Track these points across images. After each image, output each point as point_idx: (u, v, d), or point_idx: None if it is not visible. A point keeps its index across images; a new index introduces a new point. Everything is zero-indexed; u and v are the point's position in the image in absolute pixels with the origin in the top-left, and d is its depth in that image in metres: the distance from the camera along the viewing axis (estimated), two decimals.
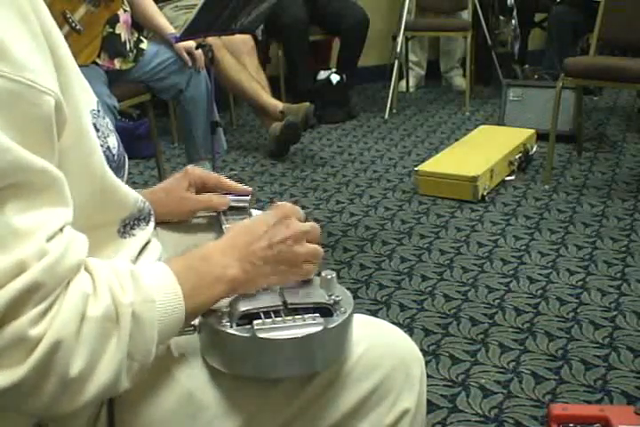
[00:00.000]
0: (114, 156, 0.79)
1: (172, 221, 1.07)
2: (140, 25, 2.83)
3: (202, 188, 1.06)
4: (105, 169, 0.76)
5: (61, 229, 0.64)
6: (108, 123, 0.81)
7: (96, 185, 0.75)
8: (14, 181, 0.61)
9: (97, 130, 0.76)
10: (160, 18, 2.81)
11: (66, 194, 0.66)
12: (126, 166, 0.86)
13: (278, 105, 3.46)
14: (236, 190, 1.06)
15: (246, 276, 0.77)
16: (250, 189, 1.07)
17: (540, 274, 2.29)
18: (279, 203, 0.86)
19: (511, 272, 2.31)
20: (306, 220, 0.86)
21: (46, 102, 0.63)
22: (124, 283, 0.67)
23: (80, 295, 0.64)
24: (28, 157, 0.61)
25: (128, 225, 0.83)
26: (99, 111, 0.78)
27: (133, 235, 0.84)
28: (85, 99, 0.75)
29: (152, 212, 0.90)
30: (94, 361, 0.64)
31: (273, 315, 0.78)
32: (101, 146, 0.76)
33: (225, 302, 0.79)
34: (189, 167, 1.07)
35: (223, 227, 1.00)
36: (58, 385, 0.63)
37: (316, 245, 0.83)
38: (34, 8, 0.65)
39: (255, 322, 0.77)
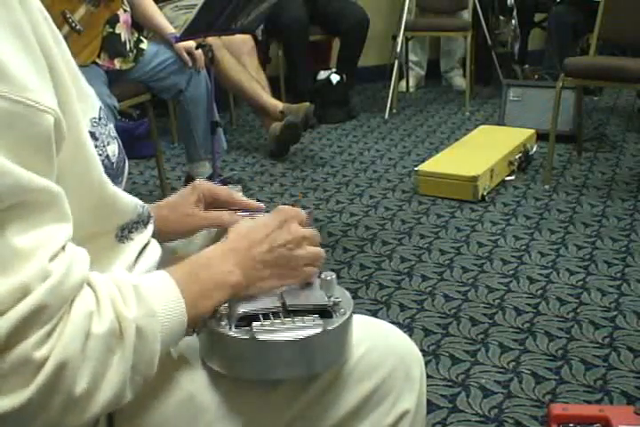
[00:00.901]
0: (112, 164, 0.78)
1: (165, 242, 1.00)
2: (140, 25, 2.83)
3: (211, 202, 1.00)
4: (103, 182, 0.75)
5: (63, 247, 0.64)
6: (109, 130, 0.80)
7: (94, 198, 0.74)
8: (15, 202, 0.60)
9: (96, 139, 0.75)
10: (160, 18, 2.81)
11: (66, 210, 0.65)
12: (125, 172, 0.85)
13: (278, 105, 3.46)
14: (249, 207, 1.00)
15: (247, 281, 0.78)
16: (263, 206, 1.01)
17: (540, 274, 2.29)
18: (280, 206, 0.85)
19: (511, 272, 2.30)
20: (308, 221, 0.85)
21: (46, 121, 0.62)
22: (126, 297, 0.67)
23: (84, 313, 0.64)
24: (29, 178, 0.61)
25: (126, 229, 0.82)
26: (100, 119, 0.77)
27: (131, 239, 0.83)
28: (85, 109, 0.74)
29: (151, 214, 0.89)
30: (99, 378, 0.64)
31: (272, 317, 0.78)
32: (100, 155, 0.75)
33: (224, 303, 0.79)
34: (197, 181, 1.01)
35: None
36: (63, 405, 0.63)
37: (317, 248, 0.83)
38: (31, 23, 0.65)
39: (254, 324, 0.76)
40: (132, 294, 0.68)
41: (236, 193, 1.01)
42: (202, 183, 1.01)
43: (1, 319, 0.59)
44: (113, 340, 0.65)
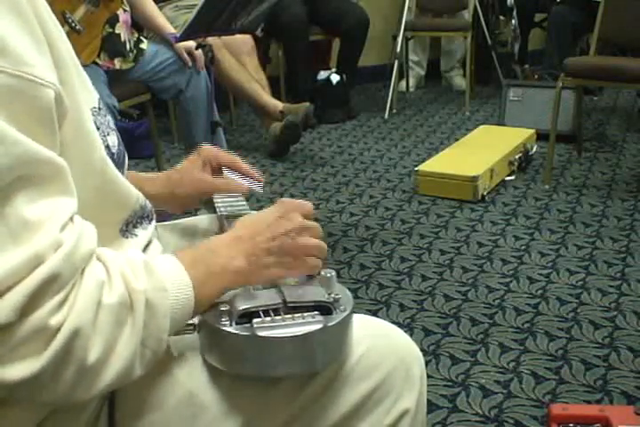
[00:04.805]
0: (113, 154, 0.80)
1: (179, 209, 1.07)
2: (139, 25, 2.83)
3: (217, 167, 1.05)
4: (106, 165, 0.76)
5: (71, 219, 0.65)
6: (109, 121, 0.81)
7: (97, 181, 0.75)
8: (23, 173, 0.61)
9: (97, 128, 0.76)
10: (160, 18, 2.81)
11: (71, 184, 0.67)
12: (126, 165, 0.86)
13: (278, 105, 3.46)
14: (248, 174, 1.06)
15: (250, 267, 0.79)
16: (261, 178, 1.07)
17: (540, 274, 2.29)
18: (283, 199, 0.87)
19: (511, 272, 2.30)
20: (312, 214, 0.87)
21: (47, 95, 0.63)
22: (136, 270, 0.69)
23: (95, 283, 0.65)
24: (36, 149, 0.62)
25: (130, 223, 0.83)
26: (99, 109, 0.79)
27: (135, 235, 0.84)
28: (86, 96, 0.75)
29: (153, 210, 0.91)
30: (110, 348, 0.65)
31: (272, 313, 0.78)
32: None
33: (225, 299, 0.79)
34: (204, 147, 1.07)
35: (217, 211, 1.00)
36: (75, 373, 0.64)
37: (319, 240, 0.84)
38: (31, 3, 0.66)
39: (255, 320, 0.77)
40: (143, 268, 0.69)
41: (238, 160, 1.06)
42: (207, 149, 1.06)
43: (17, 288, 0.60)
44: (123, 311, 0.66)
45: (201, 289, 0.73)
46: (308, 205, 0.86)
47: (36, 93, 0.63)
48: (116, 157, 0.80)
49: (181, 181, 1.04)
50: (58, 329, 0.62)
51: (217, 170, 1.06)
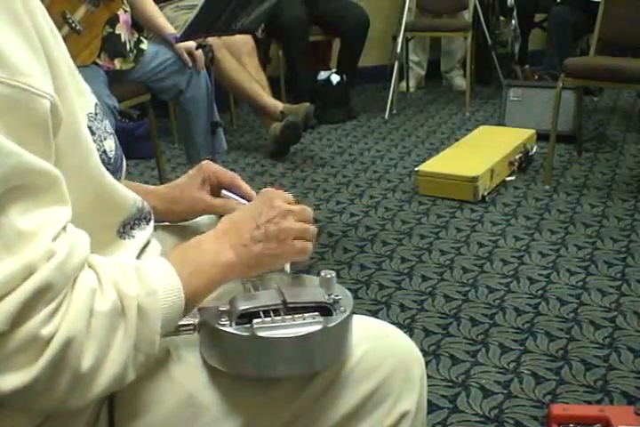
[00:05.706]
0: (110, 159, 0.80)
1: (177, 222, 1.06)
2: (140, 25, 2.83)
3: (217, 184, 1.03)
4: (102, 172, 0.76)
5: (64, 228, 0.65)
6: (106, 125, 0.81)
7: (93, 188, 0.75)
8: (17, 184, 0.61)
9: (93, 133, 0.76)
10: (160, 18, 2.81)
11: (65, 193, 0.67)
12: (123, 169, 0.86)
13: (278, 105, 3.46)
14: (247, 195, 1.01)
15: (239, 259, 0.79)
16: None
17: (541, 274, 2.29)
18: (264, 189, 0.88)
19: (511, 272, 2.30)
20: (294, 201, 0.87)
21: (42, 105, 0.63)
22: (128, 276, 0.69)
23: (87, 291, 0.65)
24: (30, 160, 0.62)
25: (128, 225, 0.83)
26: (96, 114, 0.78)
27: (133, 236, 0.84)
28: (82, 102, 0.75)
29: (151, 211, 0.91)
30: (103, 355, 0.65)
31: (272, 314, 0.78)
32: (97, 149, 0.76)
33: (224, 300, 0.79)
34: (205, 162, 1.05)
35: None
36: (69, 382, 0.64)
37: (304, 224, 0.84)
38: (27, 10, 0.65)
39: (255, 321, 0.77)
40: (133, 273, 0.69)
41: (238, 178, 1.03)
42: (208, 165, 1.04)
43: (9, 297, 0.60)
44: (116, 318, 0.66)
45: (191, 288, 0.74)
46: (287, 194, 0.87)
47: (32, 104, 0.63)
48: (113, 161, 0.80)
49: (179, 198, 1.02)
50: (50, 339, 0.62)
51: (217, 186, 1.03)
